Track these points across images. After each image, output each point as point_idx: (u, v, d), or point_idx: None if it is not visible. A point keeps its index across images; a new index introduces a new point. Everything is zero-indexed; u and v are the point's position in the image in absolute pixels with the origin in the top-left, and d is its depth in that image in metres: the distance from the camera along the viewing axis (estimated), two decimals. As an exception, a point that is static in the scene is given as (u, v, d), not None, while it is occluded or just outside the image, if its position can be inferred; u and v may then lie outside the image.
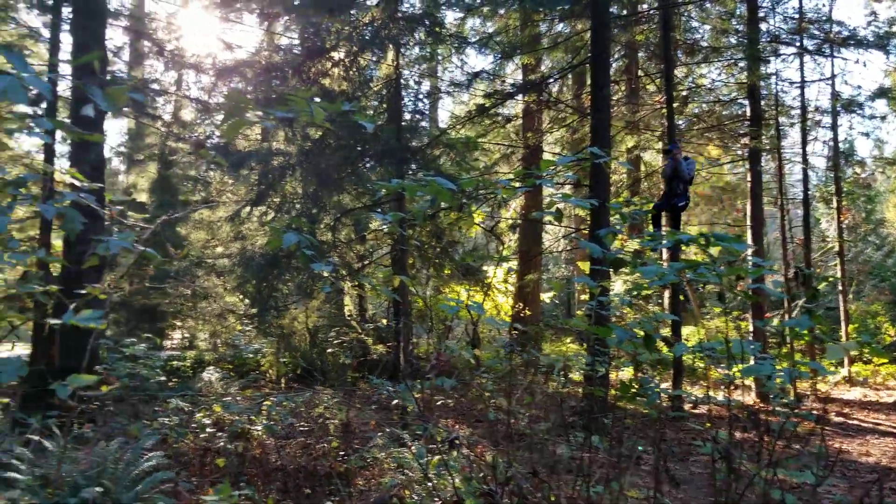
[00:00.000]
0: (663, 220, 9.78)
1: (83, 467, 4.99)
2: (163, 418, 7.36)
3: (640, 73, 14.07)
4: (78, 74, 8.71)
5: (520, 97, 11.53)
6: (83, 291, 2.92)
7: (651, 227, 10.05)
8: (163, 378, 8.83)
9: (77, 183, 2.95)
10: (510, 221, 13.56)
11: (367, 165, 9.70)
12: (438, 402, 8.13)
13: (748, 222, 12.86)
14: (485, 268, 11.67)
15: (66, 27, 13.06)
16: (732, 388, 4.08)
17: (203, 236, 14.84)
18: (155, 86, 14.87)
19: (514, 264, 13.31)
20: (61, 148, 15.93)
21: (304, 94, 2.59)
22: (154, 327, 13.84)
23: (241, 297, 13.77)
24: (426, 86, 12.09)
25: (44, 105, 10.56)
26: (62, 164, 14.83)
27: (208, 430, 7.22)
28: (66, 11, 12.38)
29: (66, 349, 8.29)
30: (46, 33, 13.77)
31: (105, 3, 9.49)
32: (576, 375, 10.16)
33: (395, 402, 8.07)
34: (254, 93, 11.60)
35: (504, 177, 11.64)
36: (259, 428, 7.21)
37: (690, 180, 9.69)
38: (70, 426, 6.52)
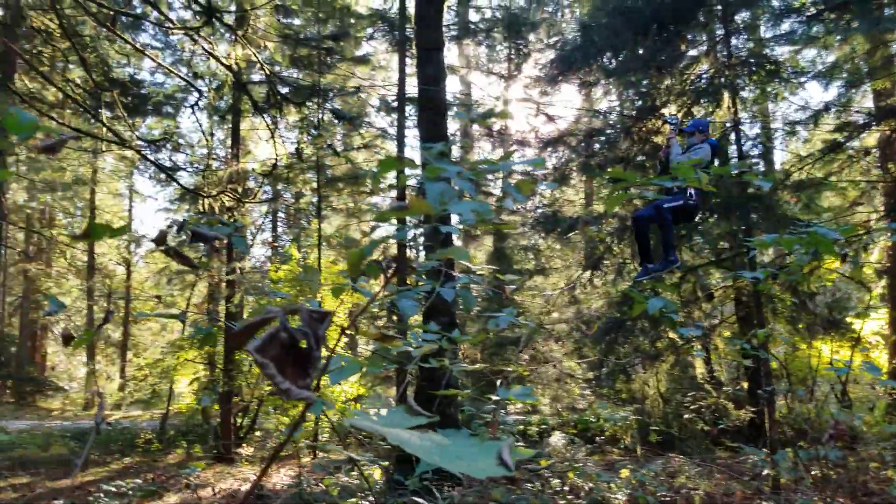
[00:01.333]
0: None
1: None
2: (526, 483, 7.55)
3: None
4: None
5: (873, 126, 10.21)
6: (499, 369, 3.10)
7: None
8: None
9: (471, 266, 3.20)
10: (876, 265, 11.92)
11: (709, 219, 9.26)
12: (813, 473, 7.26)
13: None
14: (849, 319, 10.35)
15: (408, 123, 14.84)
16: None
17: (538, 303, 15.34)
18: (484, 165, 16.07)
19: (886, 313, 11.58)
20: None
21: (694, 162, 2.54)
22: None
23: (578, 361, 13.87)
24: (759, 127, 11.31)
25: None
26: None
27: (568, 497, 7.25)
28: (408, 109, 14.08)
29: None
30: (393, 131, 15.78)
31: (446, 99, 10.47)
32: None
33: (766, 472, 7.36)
34: (577, 158, 11.90)
35: (864, 216, 10.30)
36: (619, 497, 7.04)
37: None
38: (441, 488, 7.00)
